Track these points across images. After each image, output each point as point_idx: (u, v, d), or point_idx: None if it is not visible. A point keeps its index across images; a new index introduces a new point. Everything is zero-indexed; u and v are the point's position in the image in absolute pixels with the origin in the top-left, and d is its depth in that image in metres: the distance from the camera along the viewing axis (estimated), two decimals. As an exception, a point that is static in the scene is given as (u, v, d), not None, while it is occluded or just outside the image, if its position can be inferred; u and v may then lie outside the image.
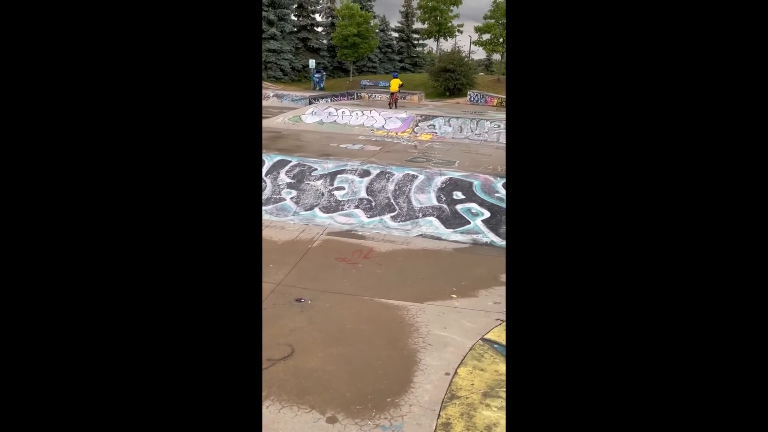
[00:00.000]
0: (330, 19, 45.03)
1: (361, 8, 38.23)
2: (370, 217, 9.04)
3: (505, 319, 5.48)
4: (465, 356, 4.58)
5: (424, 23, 39.01)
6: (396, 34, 49.38)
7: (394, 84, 20.74)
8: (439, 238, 8.37)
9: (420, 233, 8.55)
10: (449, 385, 4.09)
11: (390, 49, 48.06)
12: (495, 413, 3.73)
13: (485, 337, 5.02)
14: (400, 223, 8.86)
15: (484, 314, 5.58)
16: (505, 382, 4.15)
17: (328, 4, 45.70)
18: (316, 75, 33.48)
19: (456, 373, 4.29)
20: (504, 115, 18.51)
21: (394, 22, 50.19)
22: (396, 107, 19.90)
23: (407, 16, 47.73)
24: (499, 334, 5.09)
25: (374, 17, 42.58)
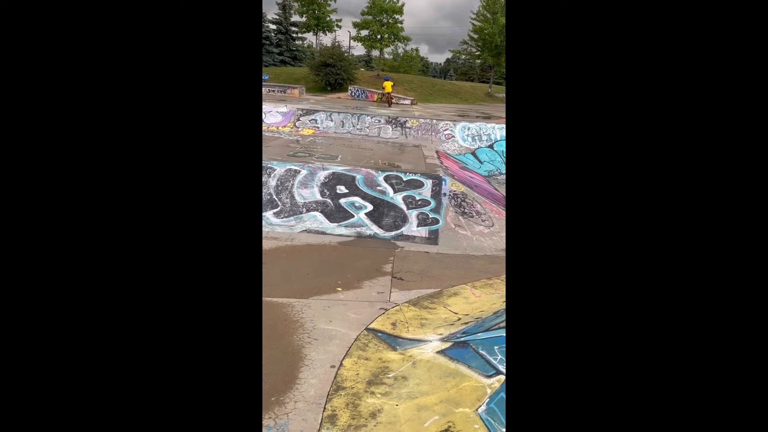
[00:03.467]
0: (202, 7, 42.46)
1: (235, -3, 36.56)
2: (252, 214, 8.76)
3: (388, 308, 5.65)
4: (350, 347, 4.65)
5: (302, 16, 38.39)
6: (274, 26, 48.06)
7: (387, 85, 24.63)
8: (323, 233, 8.38)
9: (304, 228, 8.48)
10: (335, 377, 4.12)
11: (268, 42, 46.69)
12: (379, 400, 3.84)
13: (369, 326, 5.14)
14: (284, 219, 8.70)
15: (368, 305, 5.70)
16: (389, 369, 4.30)
17: (200, -9, 43.04)
18: (189, 66, 31.40)
19: (341, 364, 4.34)
20: (385, 111, 18.98)
21: (271, 13, 48.87)
22: (389, 105, 23.17)
23: (285, 8, 46.65)
24: (383, 323, 5.25)
25: (250, 7, 41.00)
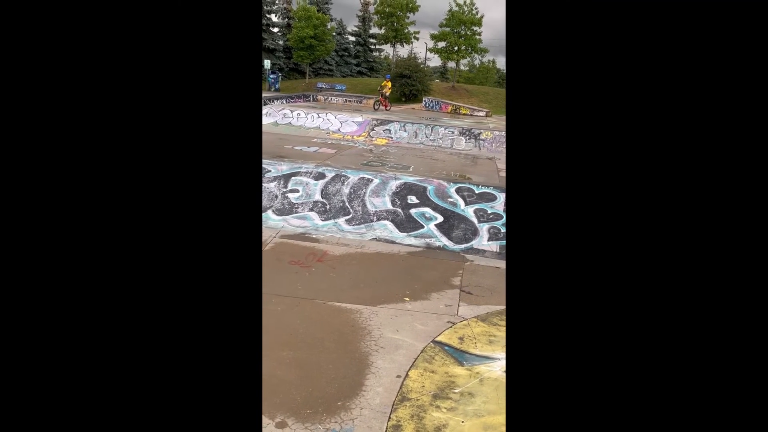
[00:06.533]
0: (286, 20, 44.44)
1: (318, 10, 37.94)
2: (325, 220, 8.99)
3: (456, 321, 5.57)
4: (416, 359, 4.62)
5: (380, 28, 39.10)
6: (353, 38, 49.43)
7: (388, 85, 24.39)
8: (393, 242, 8.42)
9: (374, 237, 8.57)
10: (400, 388, 4.11)
11: (347, 53, 48.05)
12: (444, 414, 3.78)
13: (436, 339, 5.09)
14: (355, 226, 8.85)
15: (435, 317, 5.65)
16: (455, 384, 4.22)
17: (285, 5, 45.12)
18: (272, 76, 32.90)
19: (407, 375, 4.32)
20: (458, 122, 18.87)
21: (351, 26, 50.33)
22: (385, 108, 23.18)
23: (364, 20, 47.85)
24: (450, 337, 5.17)
25: (331, 20, 42.43)
